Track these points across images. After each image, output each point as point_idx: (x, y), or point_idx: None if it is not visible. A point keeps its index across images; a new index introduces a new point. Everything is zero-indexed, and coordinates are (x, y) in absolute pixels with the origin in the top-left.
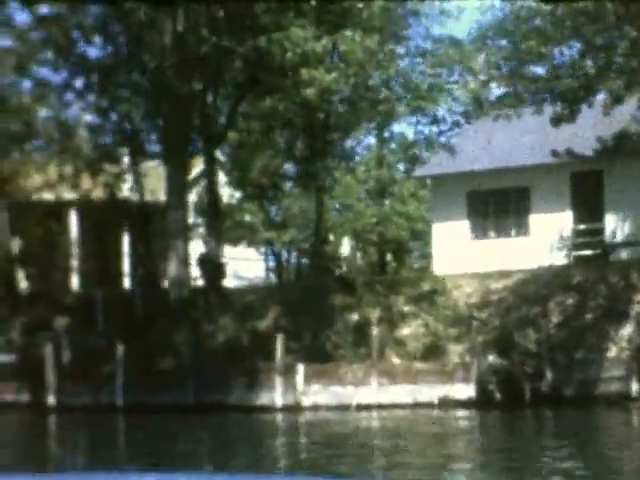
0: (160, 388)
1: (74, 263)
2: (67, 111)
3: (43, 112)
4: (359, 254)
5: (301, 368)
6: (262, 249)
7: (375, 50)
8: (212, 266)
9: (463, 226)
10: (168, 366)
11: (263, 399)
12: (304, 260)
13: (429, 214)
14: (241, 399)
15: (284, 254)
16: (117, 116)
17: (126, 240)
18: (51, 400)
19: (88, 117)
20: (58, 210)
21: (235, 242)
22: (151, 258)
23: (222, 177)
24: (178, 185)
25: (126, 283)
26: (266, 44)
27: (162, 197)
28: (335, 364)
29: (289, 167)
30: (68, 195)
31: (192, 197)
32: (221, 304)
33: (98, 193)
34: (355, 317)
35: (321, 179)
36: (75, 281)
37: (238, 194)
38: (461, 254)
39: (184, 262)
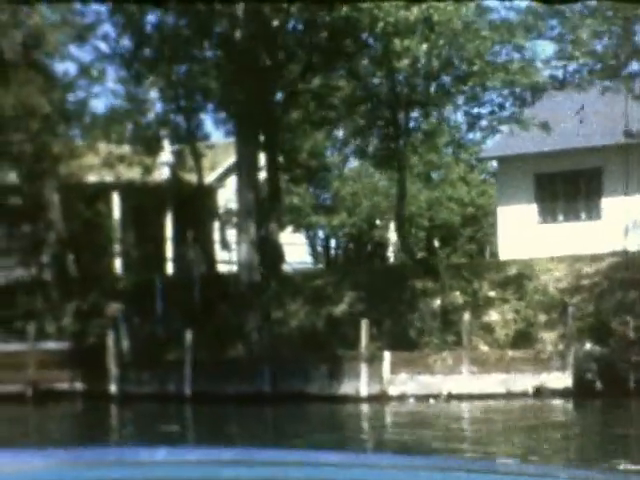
0: (231, 377)
1: (121, 247)
2: (131, 86)
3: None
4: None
5: (387, 356)
6: (306, 234)
7: (470, 20)
8: (272, 250)
9: (530, 210)
10: (239, 354)
11: (346, 388)
12: (350, 245)
13: (495, 197)
14: (322, 388)
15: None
16: (185, 91)
17: (169, 223)
18: (113, 388)
19: (155, 92)
20: (105, 192)
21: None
22: (209, 242)
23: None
24: (248, 164)
25: (170, 268)
26: (355, 13)
27: (209, 178)
28: (422, 352)
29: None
30: (115, 177)
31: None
32: (289, 289)
33: (158, 173)
34: (437, 302)
35: (404, 157)
36: (122, 265)
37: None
38: (528, 238)
39: (254, 245)
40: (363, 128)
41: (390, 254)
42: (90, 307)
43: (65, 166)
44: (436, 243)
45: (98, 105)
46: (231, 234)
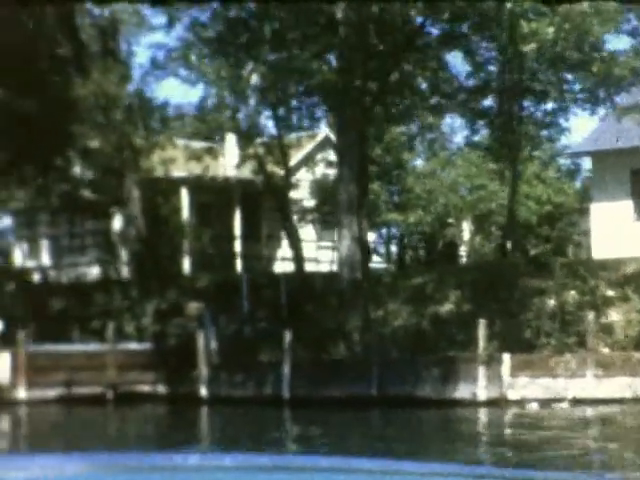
0: (334, 379)
1: (196, 244)
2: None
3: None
4: (478, 238)
5: (507, 358)
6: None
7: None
8: (362, 247)
9: (626, 206)
10: (341, 355)
11: (462, 392)
12: (420, 244)
13: (589, 193)
14: (434, 392)
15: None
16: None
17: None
18: (203, 391)
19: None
20: (177, 187)
21: None
22: (297, 239)
23: (332, 155)
24: (351, 156)
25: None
26: None
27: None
28: (543, 353)
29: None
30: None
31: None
32: (385, 288)
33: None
34: (552, 301)
35: (517, 148)
36: (194, 263)
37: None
38: (623, 236)
39: (357, 240)
40: (475, 117)
41: (462, 253)
42: (170, 306)
43: (146, 159)
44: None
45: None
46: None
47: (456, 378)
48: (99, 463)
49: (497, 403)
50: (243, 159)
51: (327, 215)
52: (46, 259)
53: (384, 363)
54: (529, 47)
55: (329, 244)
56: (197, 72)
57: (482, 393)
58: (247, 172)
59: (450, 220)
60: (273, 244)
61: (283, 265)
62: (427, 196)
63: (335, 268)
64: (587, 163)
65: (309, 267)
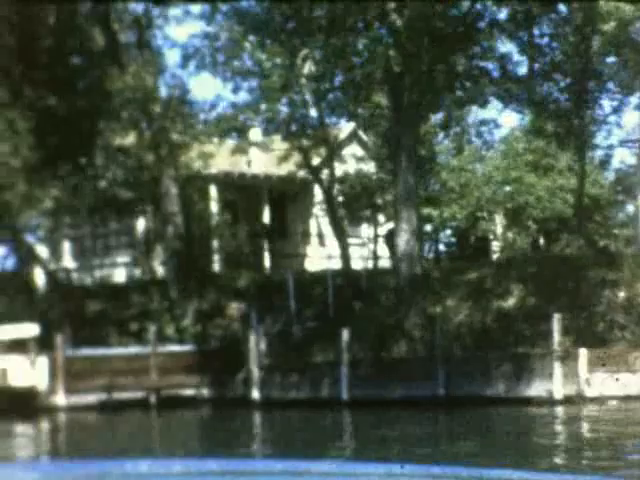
0: (395, 379)
1: (234, 243)
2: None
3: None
4: (511, 233)
5: (583, 353)
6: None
7: None
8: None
9: None
10: (401, 353)
11: (536, 390)
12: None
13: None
14: (505, 390)
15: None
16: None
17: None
18: (255, 394)
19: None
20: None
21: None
22: (344, 236)
23: (357, 149)
24: (408, 146)
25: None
26: None
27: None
28: (620, 348)
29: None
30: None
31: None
32: (441, 283)
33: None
34: (622, 294)
35: (583, 136)
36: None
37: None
38: None
39: (415, 234)
40: (540, 104)
41: (494, 248)
42: (210, 307)
43: (184, 155)
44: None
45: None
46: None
47: (529, 375)
48: (92, 470)
49: (574, 401)
50: (288, 152)
51: (356, 211)
52: (69, 260)
53: (450, 361)
54: (608, 26)
55: (358, 240)
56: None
57: (558, 390)
58: (275, 168)
59: (482, 214)
60: (303, 241)
61: (323, 263)
62: (461, 190)
63: (369, 265)
64: (622, 154)
65: (339, 265)
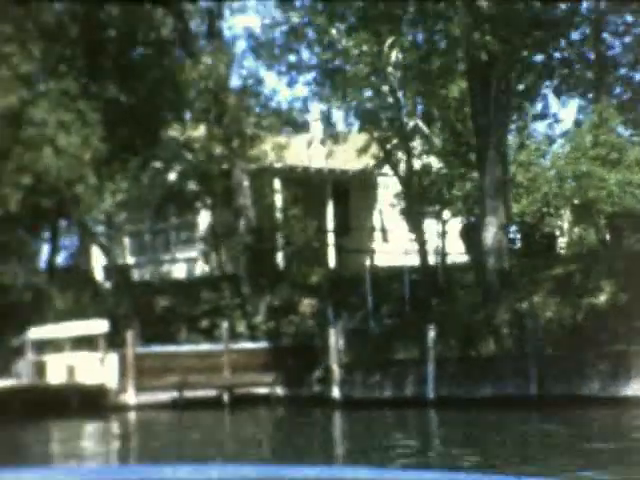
0: (483, 377)
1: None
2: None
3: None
4: (578, 229)
5: None
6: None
7: None
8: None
9: None
10: (488, 351)
11: (633, 389)
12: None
13: None
14: (602, 390)
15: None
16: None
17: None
18: (335, 393)
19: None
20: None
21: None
22: (421, 231)
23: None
24: (497, 137)
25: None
26: None
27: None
28: None
29: None
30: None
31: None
32: (523, 278)
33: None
34: None
35: None
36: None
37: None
38: None
39: (502, 228)
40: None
41: (562, 244)
42: (283, 303)
43: (257, 147)
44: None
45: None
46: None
47: (626, 374)
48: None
49: None
50: (367, 144)
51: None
52: (127, 256)
53: (542, 359)
54: None
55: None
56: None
57: None
58: (338, 163)
59: (549, 210)
60: (366, 237)
61: (387, 259)
62: (529, 184)
63: (433, 261)
64: None
65: (403, 260)
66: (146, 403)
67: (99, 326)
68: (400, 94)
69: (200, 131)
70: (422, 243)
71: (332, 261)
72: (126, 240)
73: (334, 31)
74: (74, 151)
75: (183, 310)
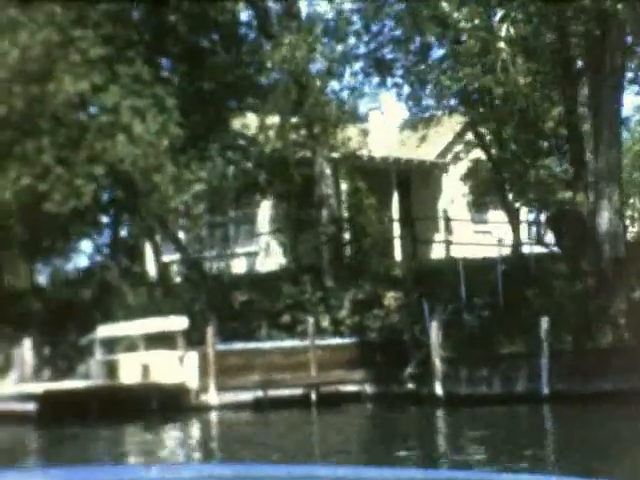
0: (600, 370)
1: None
2: None
3: None
4: None
5: None
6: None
7: None
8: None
9: None
10: (608, 342)
11: None
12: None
13: None
14: None
15: None
16: None
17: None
18: (438, 390)
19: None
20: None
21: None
22: (518, 220)
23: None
24: (611, 116)
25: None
26: None
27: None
28: None
29: None
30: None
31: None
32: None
33: None
34: None
35: None
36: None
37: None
38: None
39: (618, 213)
40: None
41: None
42: (367, 296)
43: (339, 133)
44: None
45: None
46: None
47: None
48: (94, 477)
49: None
50: (464, 127)
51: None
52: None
53: None
54: None
55: (484, 228)
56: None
57: None
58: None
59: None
60: (430, 227)
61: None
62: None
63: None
64: None
65: (469, 252)
66: (228, 403)
67: (178, 323)
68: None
69: (276, 118)
70: (516, 233)
71: (399, 253)
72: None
73: (444, 4)
74: (150, 138)
75: (263, 305)
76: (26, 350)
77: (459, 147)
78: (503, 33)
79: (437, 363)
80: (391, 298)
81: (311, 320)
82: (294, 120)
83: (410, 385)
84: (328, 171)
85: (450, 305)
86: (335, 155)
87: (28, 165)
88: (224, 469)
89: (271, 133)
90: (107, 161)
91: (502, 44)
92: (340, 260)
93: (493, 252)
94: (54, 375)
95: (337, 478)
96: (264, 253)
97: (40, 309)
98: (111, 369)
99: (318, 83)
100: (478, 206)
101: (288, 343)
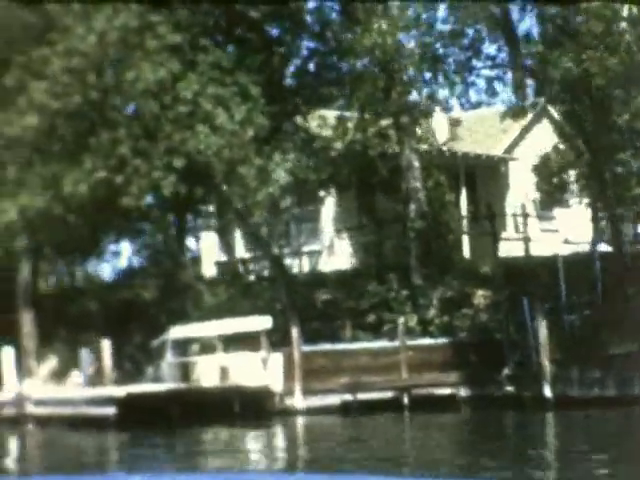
0: None
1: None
2: None
3: None
4: None
5: None
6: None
7: None
8: None
9: None
10: None
11: None
12: None
13: None
14: None
15: None
16: None
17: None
18: (547, 392)
19: None
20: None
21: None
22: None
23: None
24: None
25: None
26: None
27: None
28: None
29: None
30: None
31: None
32: None
33: None
34: None
35: None
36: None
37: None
38: None
39: None
40: None
41: None
42: (456, 295)
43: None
44: None
45: None
46: None
47: None
48: None
49: None
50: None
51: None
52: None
53: None
54: None
55: (550, 226)
56: None
57: None
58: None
59: None
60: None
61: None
62: None
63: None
64: None
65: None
66: (314, 407)
67: (261, 323)
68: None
69: (356, 110)
70: (616, 229)
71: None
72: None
73: None
74: (234, 128)
75: (347, 304)
76: (105, 352)
77: (526, 142)
78: (625, 13)
79: (546, 364)
80: (480, 296)
81: (401, 320)
82: (379, 110)
83: (508, 387)
84: (416, 164)
85: (547, 304)
86: (424, 147)
87: (103, 157)
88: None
89: (351, 124)
90: (186, 152)
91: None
92: (428, 257)
93: (560, 249)
94: (121, 378)
95: None
96: (327, 251)
97: (98, 310)
98: (185, 371)
99: (410, 71)
100: (546, 203)
101: (377, 344)
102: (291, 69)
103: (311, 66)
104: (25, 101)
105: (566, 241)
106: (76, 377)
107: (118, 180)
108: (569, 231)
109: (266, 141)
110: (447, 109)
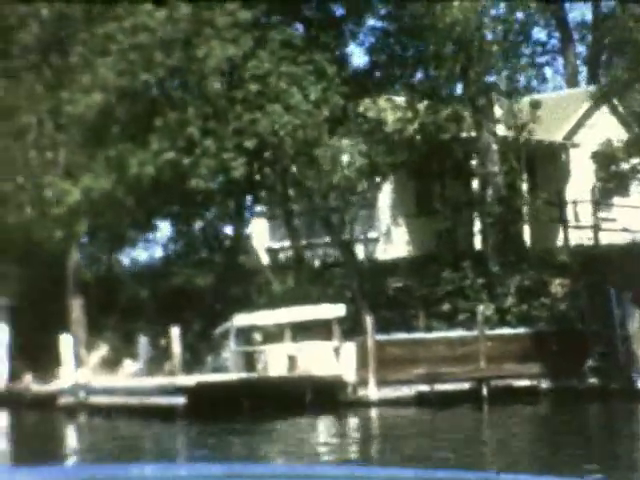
0: None
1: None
2: None
3: None
4: None
5: None
6: None
7: None
8: None
9: None
10: None
11: None
12: None
13: None
14: None
15: None
16: None
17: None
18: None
19: None
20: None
21: None
22: None
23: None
24: None
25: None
26: None
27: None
28: None
29: None
30: None
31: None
32: None
33: None
34: None
35: None
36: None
37: None
38: None
39: None
40: None
41: None
42: (533, 283)
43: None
44: None
45: None
46: None
47: None
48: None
49: None
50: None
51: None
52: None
53: None
54: None
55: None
56: None
57: None
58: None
59: None
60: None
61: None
62: None
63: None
64: None
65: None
66: (389, 398)
67: (334, 311)
68: None
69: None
70: None
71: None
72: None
73: None
74: (308, 108)
75: (419, 292)
76: (174, 341)
77: (585, 129)
78: None
79: (638, 355)
80: (558, 285)
81: (481, 308)
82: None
83: (593, 380)
84: (494, 147)
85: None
86: (503, 130)
87: (171, 138)
88: (217, 468)
89: (421, 106)
90: (257, 133)
91: None
92: (505, 244)
93: (617, 238)
94: (180, 368)
95: (329, 477)
96: (384, 239)
97: (149, 297)
98: (250, 360)
99: (494, 48)
100: (605, 191)
101: (454, 333)
102: (361, 49)
103: (381, 46)
104: (89, 79)
105: (624, 229)
106: (129, 366)
107: (186, 162)
108: (628, 220)
109: (340, 122)
110: (529, 90)
